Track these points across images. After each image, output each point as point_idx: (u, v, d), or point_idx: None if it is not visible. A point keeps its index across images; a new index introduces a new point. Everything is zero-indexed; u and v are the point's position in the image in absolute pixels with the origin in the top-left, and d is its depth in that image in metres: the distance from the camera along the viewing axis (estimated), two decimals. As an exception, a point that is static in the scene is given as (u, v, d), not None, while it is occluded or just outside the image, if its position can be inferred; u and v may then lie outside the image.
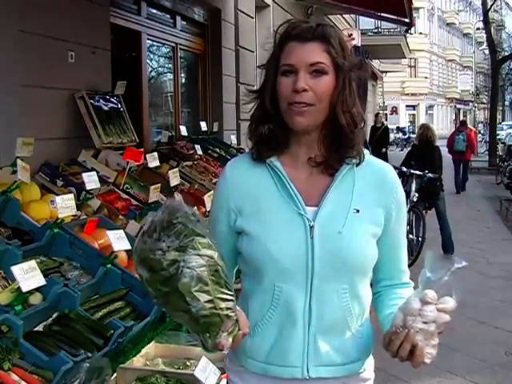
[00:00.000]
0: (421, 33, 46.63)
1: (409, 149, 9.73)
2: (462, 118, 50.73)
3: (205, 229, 1.37)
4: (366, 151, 1.58)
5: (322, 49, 1.48)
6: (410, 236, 7.29)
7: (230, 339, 1.35)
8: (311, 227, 1.49)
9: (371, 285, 1.61)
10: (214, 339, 1.34)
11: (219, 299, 1.32)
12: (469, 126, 17.77)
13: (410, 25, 10.76)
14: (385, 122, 16.51)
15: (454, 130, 17.27)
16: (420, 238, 7.55)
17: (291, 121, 1.50)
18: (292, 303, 1.49)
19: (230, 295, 1.35)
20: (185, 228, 1.32)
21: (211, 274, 1.32)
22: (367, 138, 13.86)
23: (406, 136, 34.74)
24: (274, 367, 1.52)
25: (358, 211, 1.51)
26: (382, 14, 11.65)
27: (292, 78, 1.48)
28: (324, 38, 1.48)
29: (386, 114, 37.04)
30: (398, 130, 37.02)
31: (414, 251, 7.20)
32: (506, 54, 30.54)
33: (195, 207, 3.64)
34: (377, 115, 15.85)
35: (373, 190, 1.55)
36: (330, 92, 1.48)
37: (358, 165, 1.55)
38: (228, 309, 1.33)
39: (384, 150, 14.33)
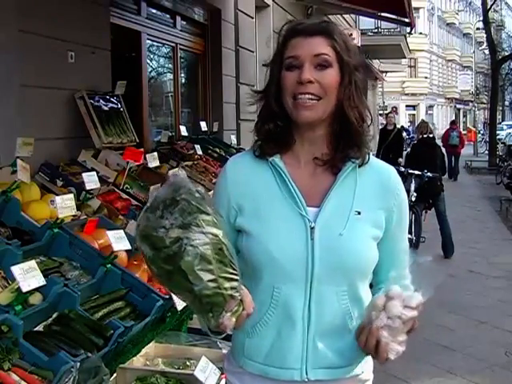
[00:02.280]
0: (421, 33, 46.58)
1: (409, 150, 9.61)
2: (461, 118, 50.79)
3: (210, 206, 1.33)
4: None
5: (327, 43, 1.49)
6: (409, 236, 7.29)
7: (234, 319, 1.32)
8: (312, 228, 1.48)
9: (371, 286, 1.61)
10: (217, 319, 1.31)
11: (223, 278, 1.29)
12: (468, 126, 18.91)
13: (410, 25, 10.74)
14: (397, 124, 13.77)
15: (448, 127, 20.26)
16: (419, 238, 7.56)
17: (297, 114, 1.49)
18: (291, 304, 1.48)
19: (235, 274, 1.32)
20: (188, 205, 1.29)
21: (215, 253, 1.29)
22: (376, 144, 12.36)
23: (410, 135, 34.51)
24: (273, 369, 1.52)
25: (359, 213, 1.50)
26: (382, 14, 11.64)
27: (296, 72, 1.48)
28: (328, 34, 1.49)
29: (387, 114, 36.97)
30: (403, 129, 36.82)
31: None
32: (506, 54, 30.47)
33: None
34: (387, 115, 13.51)
35: (375, 193, 1.55)
36: (336, 86, 1.49)
37: (361, 166, 1.54)
38: (232, 288, 1.31)
39: (400, 160, 11.61)
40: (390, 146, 11.72)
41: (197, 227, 1.28)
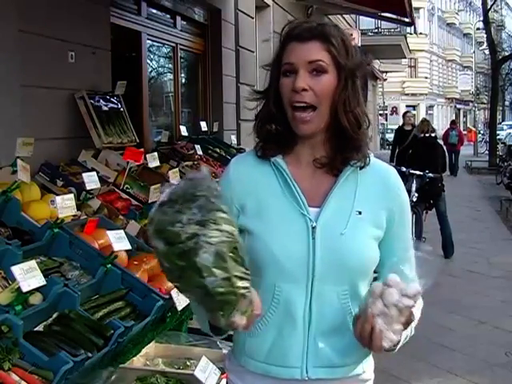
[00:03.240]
0: (421, 33, 46.57)
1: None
2: (461, 118, 50.86)
3: (225, 205, 1.33)
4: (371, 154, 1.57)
5: (323, 48, 1.47)
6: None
7: (245, 319, 1.32)
8: (313, 228, 1.48)
9: None
10: (228, 317, 1.30)
11: (236, 277, 1.28)
12: (468, 126, 19.30)
13: (411, 24, 10.72)
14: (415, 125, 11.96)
15: (448, 127, 21.51)
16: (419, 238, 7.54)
17: (296, 128, 1.50)
18: (292, 303, 1.49)
19: (247, 274, 1.32)
20: (207, 202, 1.28)
21: (230, 251, 1.28)
22: (391, 143, 11.51)
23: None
24: (274, 367, 1.52)
25: (360, 213, 1.51)
26: (383, 14, 11.65)
27: (292, 78, 1.48)
28: (324, 37, 1.48)
29: (386, 114, 36.96)
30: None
31: (413, 251, 7.17)
32: (506, 54, 30.50)
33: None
34: (405, 115, 11.97)
35: (376, 193, 1.55)
36: (332, 92, 1.48)
37: (362, 167, 1.54)
38: (244, 288, 1.30)
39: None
40: (408, 150, 10.00)
41: (214, 224, 1.27)
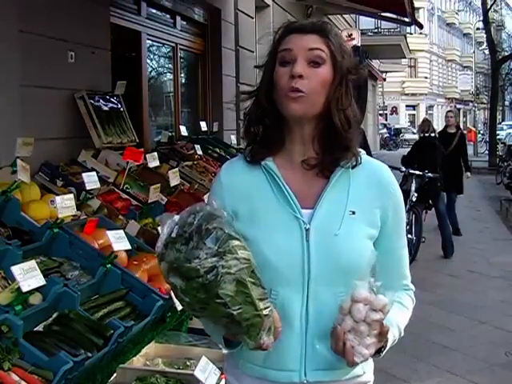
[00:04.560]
0: (421, 33, 46.52)
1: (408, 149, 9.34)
2: (461, 118, 51.04)
3: (235, 231, 1.35)
4: (362, 152, 1.56)
5: (322, 41, 1.49)
6: (409, 236, 7.26)
7: (272, 338, 1.35)
8: (307, 230, 1.47)
9: None
10: (256, 339, 1.33)
11: (258, 300, 1.31)
12: (468, 126, 19.38)
13: (413, 23, 10.67)
14: (460, 126, 10.55)
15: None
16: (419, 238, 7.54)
17: (286, 108, 1.48)
18: (288, 307, 1.48)
19: (265, 293, 1.34)
20: (222, 233, 1.30)
21: (249, 276, 1.31)
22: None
23: (391, 135, 33.41)
24: (272, 371, 1.51)
25: (353, 213, 1.50)
26: (383, 14, 11.64)
27: (290, 67, 1.47)
28: (324, 32, 1.50)
29: (386, 114, 36.89)
30: (384, 127, 35.54)
31: (412, 251, 7.19)
32: (506, 54, 30.52)
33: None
34: (447, 114, 9.62)
35: (369, 191, 1.53)
36: (326, 85, 1.48)
37: (353, 167, 1.53)
38: (266, 308, 1.33)
39: (469, 174, 9.29)
40: (454, 155, 8.73)
41: (230, 254, 1.29)
